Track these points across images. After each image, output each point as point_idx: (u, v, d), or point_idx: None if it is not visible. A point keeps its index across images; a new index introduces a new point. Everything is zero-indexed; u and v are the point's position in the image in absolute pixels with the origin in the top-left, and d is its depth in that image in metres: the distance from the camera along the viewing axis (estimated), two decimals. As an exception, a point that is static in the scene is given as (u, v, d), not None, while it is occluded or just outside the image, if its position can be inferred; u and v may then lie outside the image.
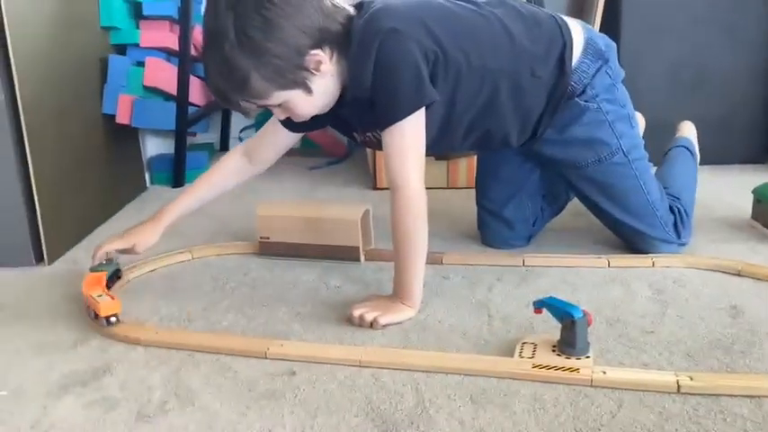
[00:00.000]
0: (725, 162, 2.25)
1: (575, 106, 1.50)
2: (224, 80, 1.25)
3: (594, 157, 1.54)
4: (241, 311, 1.41)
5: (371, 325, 1.30)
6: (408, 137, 1.31)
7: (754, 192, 1.73)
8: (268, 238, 1.66)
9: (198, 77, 2.51)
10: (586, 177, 1.58)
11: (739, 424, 1.00)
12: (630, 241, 1.63)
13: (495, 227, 1.72)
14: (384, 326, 1.31)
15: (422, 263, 1.35)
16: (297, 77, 1.26)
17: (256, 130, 2.78)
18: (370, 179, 2.24)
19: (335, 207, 1.71)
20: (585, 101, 1.50)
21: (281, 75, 1.24)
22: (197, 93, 2.46)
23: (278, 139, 1.54)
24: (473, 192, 1.80)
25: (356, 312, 1.32)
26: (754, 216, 1.74)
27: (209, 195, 1.57)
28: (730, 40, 2.24)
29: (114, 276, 1.51)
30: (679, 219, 1.61)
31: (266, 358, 1.21)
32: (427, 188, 2.12)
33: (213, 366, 1.20)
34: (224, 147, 2.81)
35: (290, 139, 1.55)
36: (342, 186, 2.28)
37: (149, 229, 1.50)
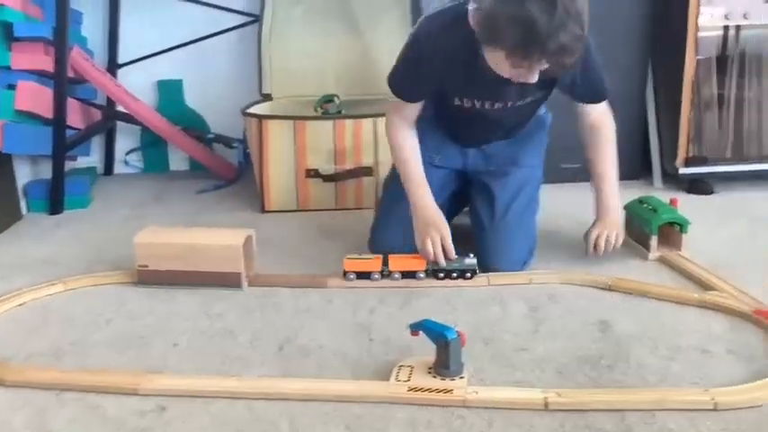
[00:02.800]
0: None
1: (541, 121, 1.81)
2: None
3: (524, 168, 1.75)
4: (115, 345, 1.36)
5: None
6: None
7: (624, 208, 1.80)
8: (147, 267, 1.61)
9: (77, 99, 2.42)
10: (515, 180, 1.72)
11: (603, 438, 1.04)
12: (492, 252, 1.66)
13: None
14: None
15: None
16: None
17: (142, 152, 2.74)
18: (258, 202, 2.21)
19: (217, 233, 1.67)
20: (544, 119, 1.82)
21: None
22: (76, 115, 2.37)
23: (415, 109, 1.66)
24: (362, 212, 1.81)
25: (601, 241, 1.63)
26: (627, 232, 1.82)
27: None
28: (607, 66, 2.34)
29: None
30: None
31: (137, 394, 1.17)
32: (316, 209, 2.13)
33: (80, 406, 1.15)
34: (108, 170, 2.72)
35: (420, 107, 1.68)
36: (229, 210, 2.24)
37: (438, 214, 1.61)
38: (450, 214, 1.75)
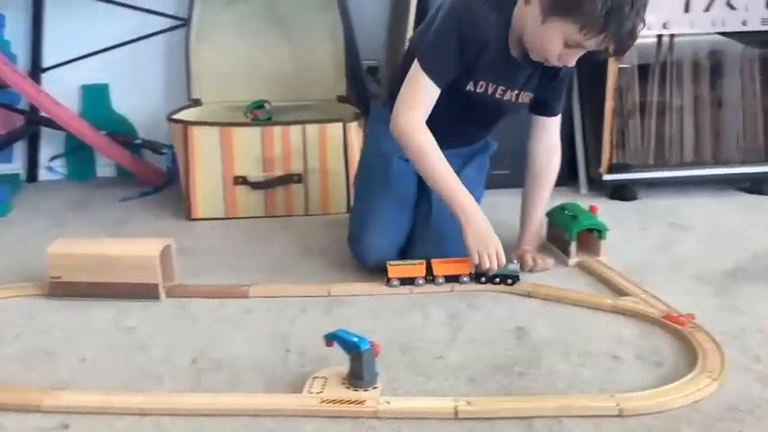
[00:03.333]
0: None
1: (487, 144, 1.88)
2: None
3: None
4: (21, 360, 1.32)
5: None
6: None
7: (547, 215, 1.83)
8: (60, 278, 1.56)
9: (-4, 105, 2.35)
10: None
11: (509, 446, 1.05)
12: (450, 242, 1.66)
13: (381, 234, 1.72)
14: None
15: None
16: None
17: (67, 158, 2.67)
18: (185, 209, 2.17)
19: (134, 243, 1.64)
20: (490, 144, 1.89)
21: None
22: (-5, 121, 2.30)
23: (435, 96, 1.56)
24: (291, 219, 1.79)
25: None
26: (549, 238, 1.85)
27: None
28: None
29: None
30: None
31: (40, 411, 1.13)
32: (245, 217, 2.10)
33: (-23, 425, 1.11)
34: (31, 177, 2.63)
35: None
36: (155, 218, 2.19)
37: (489, 225, 1.56)
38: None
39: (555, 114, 1.72)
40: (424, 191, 1.71)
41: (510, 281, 1.59)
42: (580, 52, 1.46)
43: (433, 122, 1.60)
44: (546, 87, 1.65)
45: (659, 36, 2.28)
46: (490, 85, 1.60)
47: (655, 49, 2.30)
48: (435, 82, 1.52)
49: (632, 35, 1.38)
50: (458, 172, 1.60)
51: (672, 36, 2.29)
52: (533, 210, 1.74)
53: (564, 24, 1.39)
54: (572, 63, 1.50)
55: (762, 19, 2.23)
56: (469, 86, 1.59)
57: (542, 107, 1.70)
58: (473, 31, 1.49)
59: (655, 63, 2.29)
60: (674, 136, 2.32)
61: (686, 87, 2.33)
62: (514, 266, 1.60)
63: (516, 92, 1.62)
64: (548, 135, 1.73)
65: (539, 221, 1.77)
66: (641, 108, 2.31)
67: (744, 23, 2.24)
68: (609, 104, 2.25)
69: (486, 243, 1.53)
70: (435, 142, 1.54)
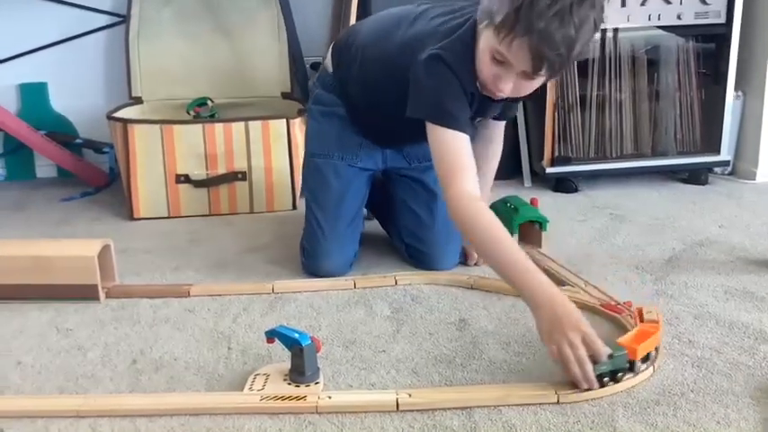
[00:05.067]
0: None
1: None
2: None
3: None
4: (-48, 367, 1.28)
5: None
6: None
7: (491, 208, 1.84)
8: (-6, 281, 1.53)
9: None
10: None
11: (450, 436, 1.06)
12: (423, 255, 1.67)
13: (333, 252, 1.66)
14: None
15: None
16: None
17: (5, 159, 2.59)
18: (127, 210, 2.13)
19: (71, 244, 1.60)
20: None
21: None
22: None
23: (470, 147, 1.39)
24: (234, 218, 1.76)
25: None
26: (492, 230, 1.86)
27: None
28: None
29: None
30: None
31: (-29, 418, 1.10)
32: (189, 216, 2.06)
33: None
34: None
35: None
36: (96, 219, 2.14)
37: (572, 305, 1.18)
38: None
39: (508, 119, 1.68)
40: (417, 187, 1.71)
41: (621, 374, 1.15)
42: (511, 73, 1.28)
43: (377, 127, 1.62)
44: (510, 105, 1.60)
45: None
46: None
47: (594, 44, 2.34)
48: (463, 129, 1.35)
49: (547, 39, 1.18)
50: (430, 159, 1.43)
51: (616, 30, 2.33)
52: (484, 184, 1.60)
53: (488, 33, 1.27)
54: (509, 89, 1.32)
55: (695, 13, 2.29)
56: None
57: (499, 114, 1.61)
58: (457, 83, 1.35)
59: (594, 57, 2.33)
60: (613, 129, 2.36)
61: (625, 81, 2.37)
62: (621, 354, 1.15)
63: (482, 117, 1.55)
64: (495, 138, 1.68)
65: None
66: (582, 102, 2.34)
67: (679, 17, 2.29)
68: (550, 98, 2.28)
69: (568, 332, 1.13)
70: (488, 211, 1.32)
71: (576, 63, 2.32)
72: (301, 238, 1.72)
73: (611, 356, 1.13)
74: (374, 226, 1.87)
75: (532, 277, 1.20)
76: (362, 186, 1.70)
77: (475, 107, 1.41)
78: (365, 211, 1.84)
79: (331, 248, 1.65)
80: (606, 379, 1.13)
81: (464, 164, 1.33)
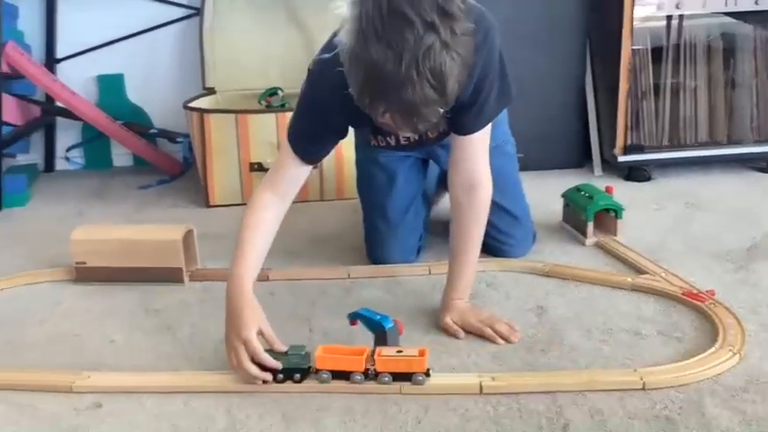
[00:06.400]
0: (545, 168, 2.38)
1: None
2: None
3: (493, 142, 1.39)
4: (50, 343, 1.34)
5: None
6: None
7: (563, 196, 1.84)
8: (84, 264, 1.59)
9: (14, 95, 2.37)
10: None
11: (535, 420, 1.06)
12: (497, 243, 1.64)
13: (391, 241, 1.65)
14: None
15: None
16: None
17: (84, 148, 2.69)
18: (202, 197, 2.19)
19: (156, 228, 1.66)
20: None
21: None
22: (13, 111, 2.32)
23: (300, 174, 1.35)
24: (306, 205, 1.78)
25: (488, 332, 1.29)
26: (564, 219, 1.85)
27: (264, 250, 1.34)
28: (544, 58, 2.37)
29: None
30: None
31: (72, 392, 1.16)
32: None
33: (11, 405, 1.13)
34: (49, 167, 2.66)
35: (308, 172, 1.37)
36: (173, 206, 2.21)
37: (258, 315, 1.21)
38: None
39: (470, 132, 1.32)
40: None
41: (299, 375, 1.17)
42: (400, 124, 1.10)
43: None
44: (459, 119, 1.29)
45: (669, 18, 2.28)
46: (388, 138, 1.49)
47: (669, 30, 2.29)
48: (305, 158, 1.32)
49: (411, 110, 1.04)
50: None
51: (681, 17, 2.28)
52: (456, 265, 1.38)
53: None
54: (401, 132, 1.29)
55: (774, -2, 2.23)
56: (373, 142, 1.53)
57: (457, 126, 1.32)
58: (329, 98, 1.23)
59: (669, 44, 2.29)
60: (688, 116, 2.32)
61: (700, 68, 2.32)
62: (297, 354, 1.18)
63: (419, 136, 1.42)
64: (467, 161, 1.34)
65: (467, 279, 1.38)
66: (655, 89, 2.30)
67: (756, 2, 2.23)
68: (623, 86, 2.25)
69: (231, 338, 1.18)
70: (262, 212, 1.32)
71: (650, 51, 2.29)
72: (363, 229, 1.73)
73: (286, 354, 1.16)
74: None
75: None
76: (412, 173, 1.66)
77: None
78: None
79: (389, 239, 1.65)
80: (281, 376, 1.15)
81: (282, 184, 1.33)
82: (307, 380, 1.16)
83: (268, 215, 1.32)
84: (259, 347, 1.15)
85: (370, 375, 1.15)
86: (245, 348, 1.14)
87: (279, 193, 1.32)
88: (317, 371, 1.16)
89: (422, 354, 1.15)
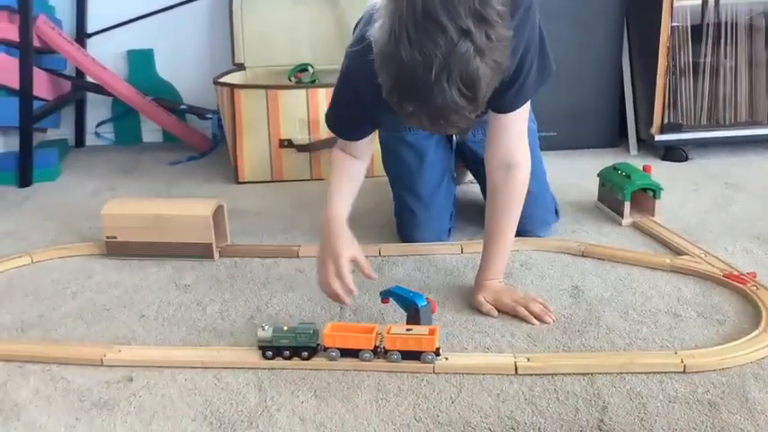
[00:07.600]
0: (578, 147, 2.34)
1: None
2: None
3: None
4: (81, 317, 1.34)
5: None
6: None
7: (599, 175, 1.80)
8: (115, 238, 1.58)
9: (45, 70, 2.37)
10: None
11: (571, 401, 1.04)
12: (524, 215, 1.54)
13: (425, 222, 1.63)
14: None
15: None
16: None
17: (114, 124, 2.70)
18: (232, 173, 2.18)
19: (187, 203, 1.65)
20: None
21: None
22: (43, 86, 2.32)
23: (360, 143, 1.38)
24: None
25: (521, 311, 1.27)
26: (600, 198, 1.81)
27: (355, 190, 1.37)
28: (580, 34, 2.32)
29: None
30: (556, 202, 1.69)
31: (102, 365, 1.16)
32: (291, 180, 2.08)
33: (44, 377, 1.13)
34: (80, 142, 2.67)
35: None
36: (203, 182, 2.21)
37: (352, 244, 1.27)
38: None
39: (509, 111, 1.29)
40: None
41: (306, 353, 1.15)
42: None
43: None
44: (499, 98, 1.18)
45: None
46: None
47: (708, 9, 2.23)
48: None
49: (440, 115, 1.02)
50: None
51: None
52: (492, 245, 1.35)
53: None
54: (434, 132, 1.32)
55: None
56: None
57: (496, 105, 1.25)
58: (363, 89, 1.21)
59: (708, 22, 2.22)
60: (727, 96, 2.25)
61: (741, 47, 2.26)
62: (305, 332, 1.15)
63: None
64: (504, 139, 1.30)
65: (502, 260, 1.36)
66: (694, 67, 2.24)
67: (802, -21, 2.16)
68: (662, 63, 2.19)
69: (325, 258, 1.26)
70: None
71: (689, 29, 2.22)
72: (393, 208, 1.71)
73: (294, 332, 1.15)
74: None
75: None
76: (439, 153, 1.63)
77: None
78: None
79: (423, 219, 1.63)
80: (287, 353, 1.14)
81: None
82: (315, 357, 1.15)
83: (354, 165, 1.39)
84: (347, 269, 1.23)
85: (380, 353, 1.13)
86: (334, 268, 1.23)
87: (353, 155, 1.38)
88: (326, 348, 1.14)
89: (432, 332, 1.13)
